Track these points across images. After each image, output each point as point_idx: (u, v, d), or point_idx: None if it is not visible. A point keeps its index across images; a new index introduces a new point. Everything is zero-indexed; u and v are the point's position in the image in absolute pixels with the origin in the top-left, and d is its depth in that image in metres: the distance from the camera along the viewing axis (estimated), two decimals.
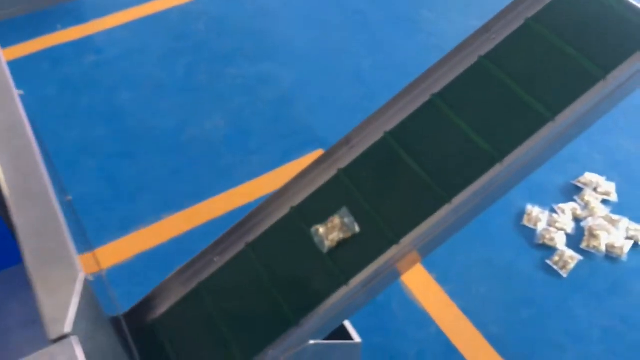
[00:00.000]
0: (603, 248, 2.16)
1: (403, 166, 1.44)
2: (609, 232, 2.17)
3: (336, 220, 1.40)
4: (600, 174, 2.38)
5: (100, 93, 2.83)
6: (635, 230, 2.20)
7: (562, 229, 2.22)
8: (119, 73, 2.93)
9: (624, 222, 2.22)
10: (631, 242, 2.17)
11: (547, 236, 2.19)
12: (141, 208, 2.38)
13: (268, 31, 3.14)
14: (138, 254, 2.26)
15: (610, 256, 2.15)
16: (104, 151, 2.58)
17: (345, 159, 1.51)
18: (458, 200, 1.35)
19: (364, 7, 3.27)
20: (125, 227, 2.33)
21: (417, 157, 1.43)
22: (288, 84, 2.85)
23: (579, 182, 2.36)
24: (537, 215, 2.25)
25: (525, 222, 2.26)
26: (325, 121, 2.66)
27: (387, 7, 3.26)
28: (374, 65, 2.94)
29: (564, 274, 2.11)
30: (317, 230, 1.40)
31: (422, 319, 2.04)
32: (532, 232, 2.23)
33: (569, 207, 2.28)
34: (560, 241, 2.19)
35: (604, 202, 2.30)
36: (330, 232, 1.40)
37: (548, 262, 2.14)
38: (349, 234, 1.38)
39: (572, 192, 2.35)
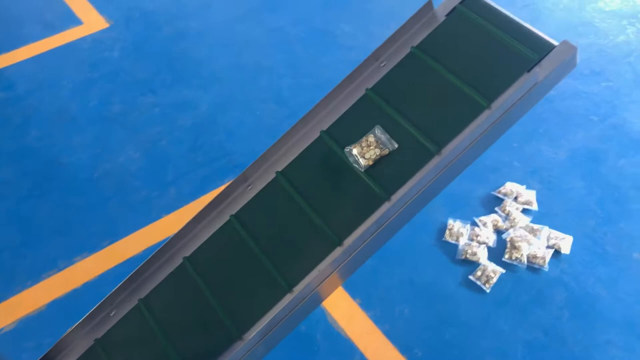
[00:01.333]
0: (525, 259, 2.15)
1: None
2: (530, 243, 2.17)
3: None
4: (521, 182, 2.38)
5: (8, 132, 2.70)
6: (556, 238, 2.20)
7: (483, 243, 2.21)
8: (29, 109, 2.80)
9: (545, 230, 2.22)
10: (552, 251, 2.17)
11: (469, 251, 2.17)
12: (53, 252, 2.27)
13: (186, 54, 3.06)
14: (51, 302, 2.15)
15: (533, 267, 2.15)
16: (13, 194, 2.46)
17: (239, 203, 1.45)
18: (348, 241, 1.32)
19: (283, 23, 3.22)
20: (36, 274, 2.22)
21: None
22: (206, 109, 2.77)
23: (499, 192, 2.36)
24: (458, 230, 2.23)
25: (446, 237, 2.23)
26: (245, 146, 2.60)
27: (306, 22, 3.22)
28: (295, 84, 2.89)
29: (487, 289, 2.09)
30: None
31: (347, 348, 1.99)
32: (454, 247, 2.21)
33: (490, 219, 2.27)
34: (482, 255, 2.17)
35: (525, 211, 2.30)
36: None
37: (471, 277, 2.12)
38: None
39: (494, 203, 2.34)
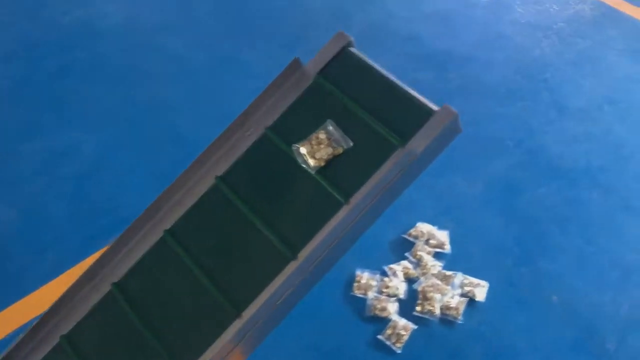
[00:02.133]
0: (438, 311, 1.98)
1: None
2: (442, 292, 2.00)
3: None
4: (433, 222, 2.22)
5: None
6: (470, 284, 2.04)
7: (394, 295, 2.03)
8: None
9: (459, 277, 2.06)
10: (466, 300, 2.01)
11: (378, 306, 1.99)
12: None
13: (73, 93, 2.77)
14: None
15: (446, 319, 1.98)
16: None
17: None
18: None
19: (183, 51, 2.97)
20: None
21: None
22: (92, 154, 2.51)
23: (410, 235, 2.18)
24: (367, 282, 2.05)
25: (355, 291, 2.05)
26: (136, 196, 2.35)
27: (208, 49, 2.98)
28: (195, 119, 2.65)
29: (397, 349, 1.91)
30: None
31: None
32: (364, 302, 2.02)
33: (400, 268, 2.09)
34: (392, 310, 1.99)
35: (438, 255, 2.13)
36: None
37: (380, 337, 1.94)
38: None
39: (405, 247, 2.17)
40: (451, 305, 1.99)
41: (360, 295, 2.03)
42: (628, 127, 2.54)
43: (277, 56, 2.90)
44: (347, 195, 1.18)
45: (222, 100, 2.69)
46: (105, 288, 1.26)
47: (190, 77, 2.84)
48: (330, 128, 1.23)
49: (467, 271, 2.08)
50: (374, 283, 2.04)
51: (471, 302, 2.01)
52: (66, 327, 1.25)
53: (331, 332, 1.97)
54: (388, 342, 1.92)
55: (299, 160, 1.22)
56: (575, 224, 2.21)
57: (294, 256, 1.17)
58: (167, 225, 1.28)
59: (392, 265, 2.10)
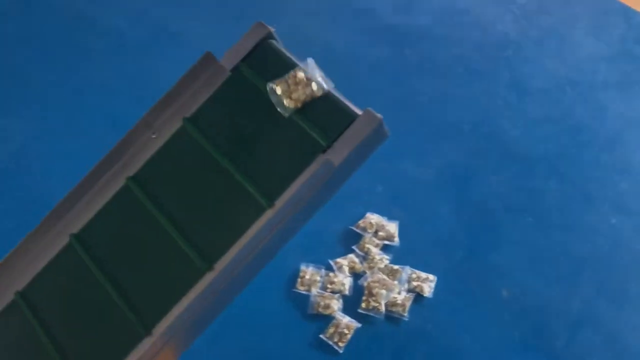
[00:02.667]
0: (383, 309, 1.89)
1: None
2: (389, 288, 1.91)
3: None
4: (383, 212, 2.11)
5: None
6: (418, 279, 1.95)
7: (338, 291, 1.93)
8: None
9: (406, 271, 1.97)
10: (413, 296, 1.92)
11: (322, 303, 1.90)
12: None
13: None
14: None
15: (392, 316, 1.90)
16: None
17: None
18: None
19: (124, 25, 2.77)
20: None
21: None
22: (20, 140, 2.34)
23: (358, 226, 2.08)
24: (311, 277, 1.95)
25: (298, 287, 1.95)
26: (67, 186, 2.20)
27: (148, 21, 2.79)
28: (133, 101, 2.48)
29: (340, 348, 1.83)
30: None
31: None
32: (307, 299, 1.93)
33: (346, 262, 2.00)
34: (336, 307, 1.90)
35: (386, 248, 2.04)
36: None
37: (322, 336, 1.85)
38: None
39: (353, 239, 2.06)
40: (397, 302, 1.90)
41: (304, 292, 1.93)
42: (588, 110, 2.45)
43: (226, 30, 2.72)
44: (271, 200, 1.07)
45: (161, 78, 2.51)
46: (63, 240, 1.17)
47: (128, 53, 2.66)
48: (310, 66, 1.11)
49: (416, 265, 1.99)
50: (318, 278, 1.95)
51: (418, 297, 1.93)
52: (21, 284, 1.17)
53: (271, 332, 1.87)
54: (330, 342, 1.84)
55: (273, 99, 1.11)
56: (530, 215, 2.13)
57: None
58: (131, 172, 1.18)
59: (338, 260, 2.00)
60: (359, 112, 1.08)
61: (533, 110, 2.42)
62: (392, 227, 2.06)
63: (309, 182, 1.05)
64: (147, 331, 1.06)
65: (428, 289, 1.94)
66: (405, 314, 1.89)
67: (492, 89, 2.49)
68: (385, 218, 2.09)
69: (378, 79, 2.50)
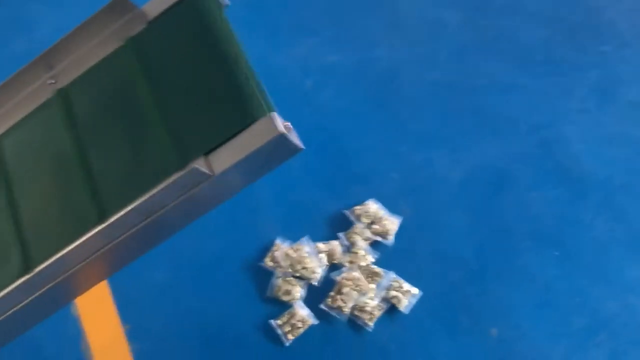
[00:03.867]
0: (348, 311, 1.69)
1: None
2: (362, 291, 1.69)
3: None
4: (388, 204, 1.85)
5: None
6: (399, 289, 1.71)
7: (307, 278, 1.74)
8: None
9: (389, 277, 1.73)
10: (386, 307, 1.69)
11: (283, 288, 1.72)
12: None
13: None
14: None
15: (356, 322, 1.69)
16: None
17: None
18: None
19: None
20: None
21: None
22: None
23: (353, 212, 1.84)
24: (283, 255, 1.76)
25: (266, 262, 1.78)
26: None
27: None
28: None
29: (287, 341, 1.66)
30: None
31: None
32: (271, 277, 1.76)
33: (326, 248, 1.78)
34: (297, 296, 1.72)
35: (376, 245, 1.79)
36: None
37: (272, 322, 1.69)
38: None
39: (343, 225, 1.84)
40: (366, 309, 1.68)
41: (270, 269, 1.76)
42: None
43: None
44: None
45: None
46: None
47: None
48: None
49: (403, 273, 1.74)
50: (290, 258, 1.76)
51: (392, 310, 1.70)
52: None
53: (221, 303, 1.74)
54: (279, 331, 1.67)
55: None
56: (558, 249, 1.77)
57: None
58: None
59: (318, 244, 1.79)
60: (265, 117, 0.85)
61: (611, 124, 1.98)
62: (391, 223, 1.81)
63: (170, 187, 0.85)
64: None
65: (406, 303, 1.69)
66: (371, 324, 1.67)
67: (571, 87, 2.06)
68: (387, 211, 1.83)
69: (434, 46, 2.15)
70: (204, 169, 0.83)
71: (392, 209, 1.84)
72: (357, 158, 1.94)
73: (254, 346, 1.66)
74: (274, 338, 1.67)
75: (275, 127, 0.83)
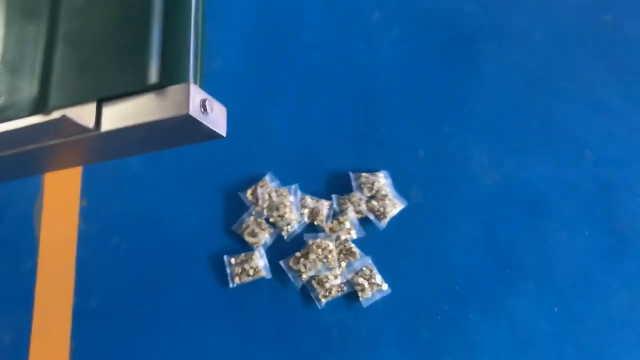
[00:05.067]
0: (306, 278, 1.53)
1: None
2: (328, 265, 1.52)
3: None
4: (399, 183, 1.63)
5: None
6: (368, 278, 1.52)
7: (280, 227, 1.58)
8: None
9: (363, 261, 1.54)
10: (345, 290, 1.52)
11: (252, 228, 1.57)
12: None
13: None
14: None
15: (308, 294, 1.53)
16: None
17: None
18: None
19: None
20: None
21: None
22: None
23: (358, 178, 1.63)
24: (265, 192, 1.60)
25: (247, 194, 1.61)
26: None
27: None
28: None
29: (233, 283, 1.54)
30: None
31: None
32: (244, 212, 1.61)
33: (312, 204, 1.60)
34: (262, 241, 1.57)
35: (366, 222, 1.59)
36: None
37: (226, 259, 1.55)
38: None
39: (343, 188, 1.64)
40: (325, 284, 1.52)
41: (247, 203, 1.61)
42: None
43: None
44: None
45: None
46: None
47: None
48: None
49: (381, 263, 1.55)
50: (270, 200, 1.59)
51: (351, 297, 1.53)
52: None
53: (182, 217, 1.61)
54: (228, 270, 1.54)
55: None
56: (561, 306, 1.53)
57: None
58: None
59: (307, 197, 1.61)
60: (181, 85, 0.64)
61: None
62: (392, 206, 1.59)
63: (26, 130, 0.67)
64: None
65: (369, 296, 1.52)
66: (323, 302, 1.52)
67: None
68: (394, 191, 1.61)
69: (531, 24, 1.80)
70: (78, 120, 0.65)
71: (401, 190, 1.62)
72: (391, 118, 1.70)
73: (198, 274, 1.55)
74: (221, 275, 1.55)
75: (185, 102, 0.63)
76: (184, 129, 0.67)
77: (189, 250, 1.57)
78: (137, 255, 1.57)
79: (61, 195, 1.62)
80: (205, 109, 0.65)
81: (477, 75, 1.76)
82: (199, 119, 0.64)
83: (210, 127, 0.66)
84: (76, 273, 1.55)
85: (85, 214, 1.60)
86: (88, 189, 1.62)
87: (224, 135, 0.69)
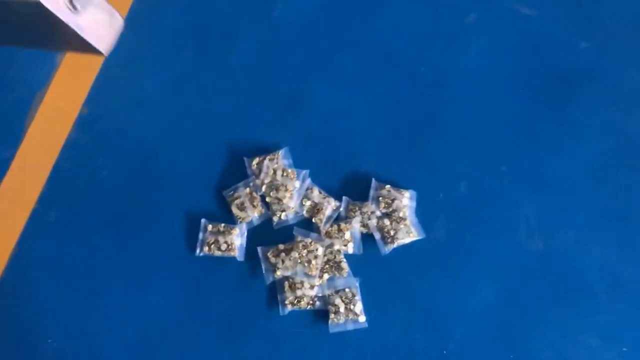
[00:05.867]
0: (278, 276, 1.31)
1: None
2: (309, 272, 1.30)
3: None
4: (425, 211, 1.37)
5: None
6: (347, 303, 1.29)
7: (271, 210, 1.37)
8: None
9: (348, 282, 1.31)
10: (316, 306, 1.30)
11: (243, 200, 1.37)
12: None
13: None
14: None
15: (275, 294, 1.32)
16: None
17: None
18: None
19: None
20: None
21: None
22: None
23: (378, 188, 1.38)
24: (274, 166, 1.39)
25: (252, 162, 1.41)
26: None
27: None
28: None
29: (200, 251, 1.35)
30: None
31: None
32: (243, 180, 1.41)
33: (319, 199, 1.38)
34: (248, 219, 1.37)
35: (370, 240, 1.35)
36: None
37: (204, 222, 1.37)
38: None
39: (360, 194, 1.40)
40: (297, 291, 1.30)
41: (249, 172, 1.41)
42: None
43: None
44: None
45: None
46: None
47: None
48: None
49: (369, 293, 1.31)
50: (273, 177, 1.38)
51: (320, 315, 1.30)
52: None
53: (168, 180, 1.43)
54: (201, 235, 1.36)
55: None
56: None
57: None
58: None
59: (315, 188, 1.39)
60: None
61: None
62: (406, 233, 1.33)
63: None
64: None
65: (339, 323, 1.28)
66: (286, 310, 1.30)
67: None
68: (415, 219, 1.36)
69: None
70: None
71: (424, 219, 1.36)
72: (443, 136, 1.43)
73: (169, 227, 1.37)
74: (192, 237, 1.36)
75: None
76: (45, 25, 0.47)
77: (169, 199, 1.39)
78: (115, 185, 1.41)
79: (67, 94, 1.49)
80: (73, 6, 0.45)
81: (563, 124, 1.46)
82: (56, 14, 0.44)
83: (77, 31, 0.47)
84: (47, 181, 1.41)
85: (81, 124, 1.46)
86: (95, 99, 1.48)
87: (104, 52, 0.49)
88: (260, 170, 1.39)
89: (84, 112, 1.47)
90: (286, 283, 1.31)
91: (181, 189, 1.40)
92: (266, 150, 1.42)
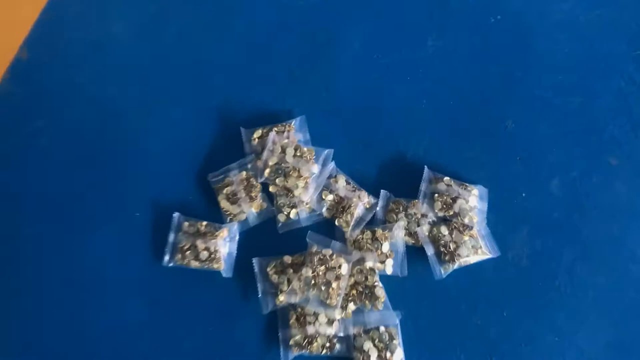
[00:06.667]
0: (280, 302, 0.89)
1: None
2: (328, 300, 0.87)
3: None
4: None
5: None
6: (382, 347, 0.86)
7: (276, 207, 0.95)
8: None
9: (385, 317, 0.88)
10: (337, 350, 0.87)
11: (233, 188, 0.95)
12: None
13: None
14: None
15: (276, 323, 0.90)
16: None
17: None
18: None
19: None
20: None
21: None
22: None
23: (434, 181, 0.95)
24: (278, 140, 0.96)
25: (254, 135, 0.98)
26: None
27: None
28: None
29: (170, 261, 0.93)
30: None
31: None
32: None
33: (345, 192, 0.95)
34: (243, 215, 0.94)
35: (419, 254, 0.92)
36: None
37: (177, 217, 0.94)
38: None
39: (406, 190, 0.97)
40: (309, 327, 0.87)
41: (248, 149, 0.98)
42: None
43: None
44: None
45: None
46: None
47: None
48: None
49: (415, 334, 0.88)
50: (286, 158, 0.96)
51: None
52: None
53: (136, 155, 1.01)
54: (172, 236, 0.94)
55: None
56: None
57: None
58: None
59: (343, 178, 0.96)
60: None
61: None
62: (472, 249, 0.90)
63: None
64: None
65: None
66: (291, 355, 0.87)
67: None
68: (487, 230, 0.92)
69: None
70: None
71: (500, 229, 0.93)
72: (534, 115, 1.00)
73: (127, 229, 0.95)
74: (160, 239, 0.94)
75: None
76: None
77: (132, 182, 0.98)
78: (56, 158, 1.00)
79: (0, 29, 1.07)
80: None
81: None
82: None
83: None
84: None
85: (17, 71, 1.04)
86: (38, 40, 1.06)
87: None
88: (263, 147, 0.96)
89: (22, 55, 1.06)
90: (293, 314, 0.88)
91: (149, 169, 0.98)
92: (273, 118, 0.99)
